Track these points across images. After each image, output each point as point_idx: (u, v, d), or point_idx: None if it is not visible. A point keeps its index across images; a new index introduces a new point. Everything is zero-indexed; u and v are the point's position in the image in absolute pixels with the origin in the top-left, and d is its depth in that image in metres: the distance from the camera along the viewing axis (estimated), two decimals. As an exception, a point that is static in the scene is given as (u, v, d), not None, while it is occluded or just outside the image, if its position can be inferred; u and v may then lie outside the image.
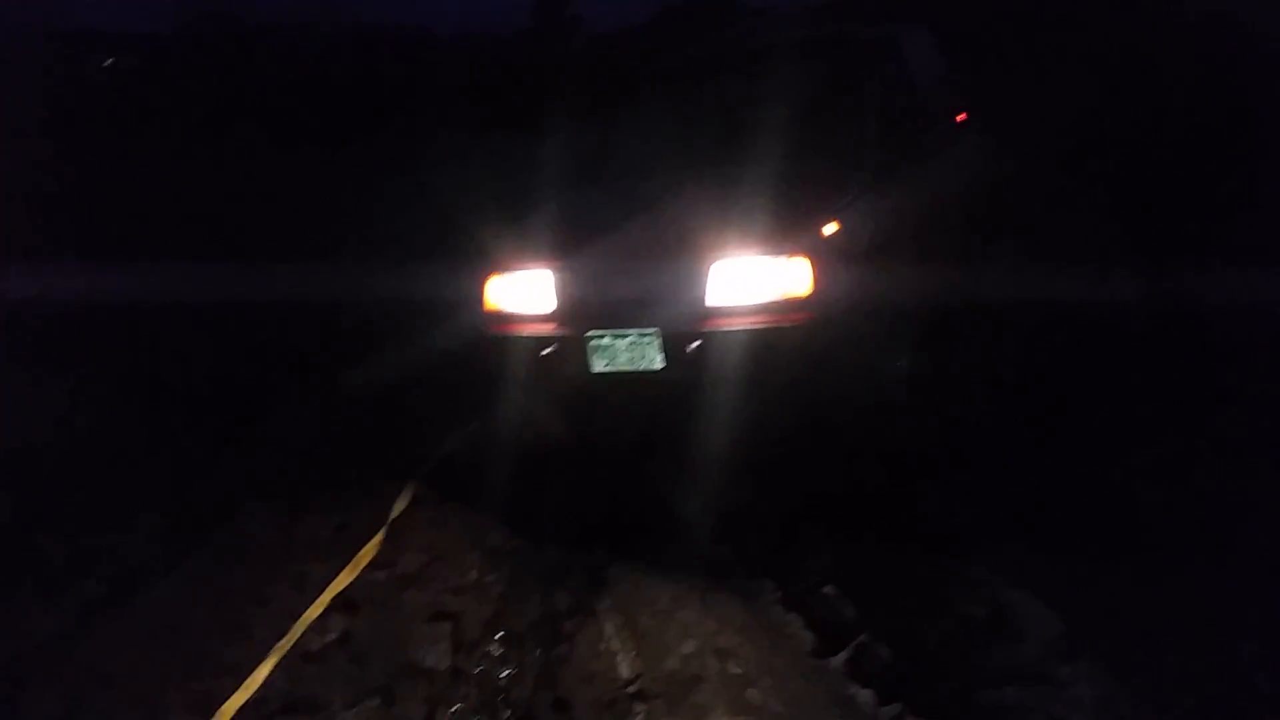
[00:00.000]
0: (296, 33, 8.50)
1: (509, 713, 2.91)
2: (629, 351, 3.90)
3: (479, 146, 7.22)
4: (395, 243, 6.57)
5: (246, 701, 3.03)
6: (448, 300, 4.84)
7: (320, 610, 3.50)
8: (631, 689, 2.97)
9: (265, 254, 6.32)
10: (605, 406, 4.27)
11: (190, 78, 6.79)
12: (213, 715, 2.97)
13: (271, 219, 6.69)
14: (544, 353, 4.10)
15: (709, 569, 3.59)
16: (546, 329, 4.13)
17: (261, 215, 6.63)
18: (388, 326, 5.78)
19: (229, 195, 6.40)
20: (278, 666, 3.20)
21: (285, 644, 3.31)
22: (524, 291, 4.23)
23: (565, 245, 4.24)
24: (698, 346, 3.75)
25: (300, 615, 3.47)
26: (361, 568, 3.80)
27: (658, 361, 3.85)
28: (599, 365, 3.96)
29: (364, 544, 3.95)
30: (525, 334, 4.20)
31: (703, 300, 3.78)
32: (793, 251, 3.70)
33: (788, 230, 3.79)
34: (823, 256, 3.73)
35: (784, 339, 3.67)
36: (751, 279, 3.73)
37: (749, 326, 3.70)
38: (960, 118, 5.37)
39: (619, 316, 3.93)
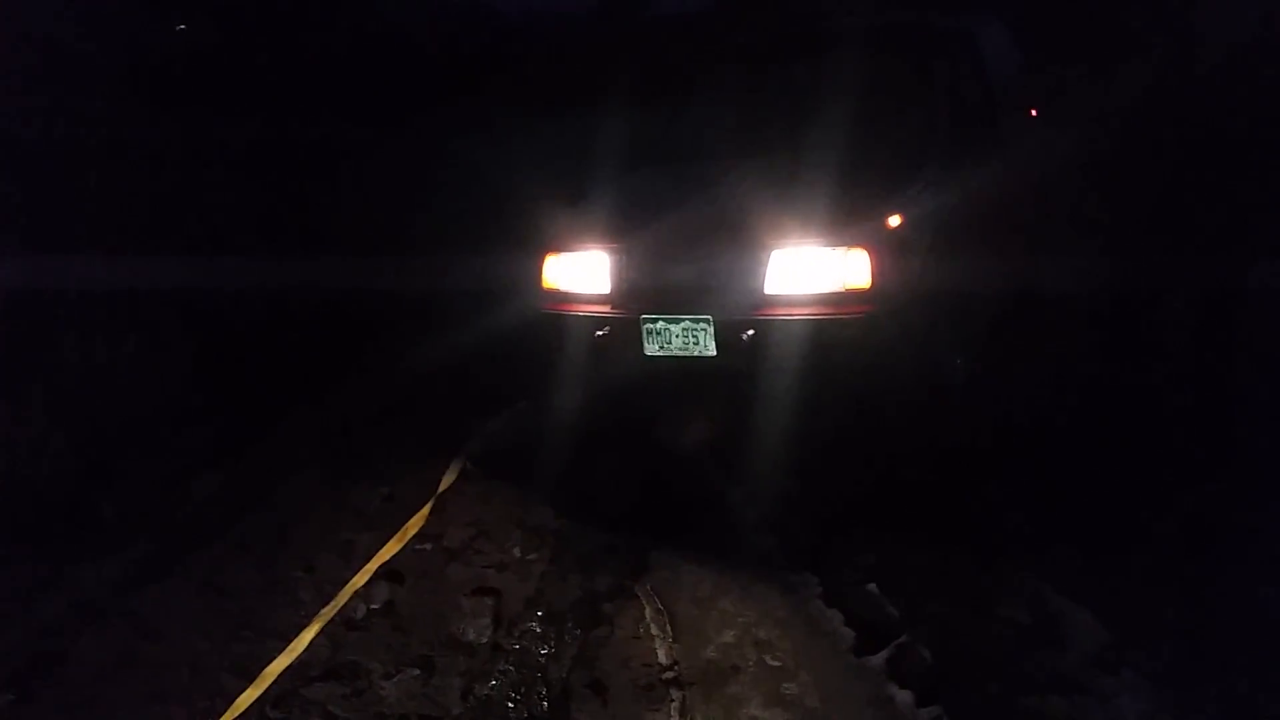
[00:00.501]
0: (366, 8, 8.55)
1: (545, 691, 2.92)
2: (682, 336, 3.87)
3: (543, 125, 7.22)
4: (456, 221, 6.60)
5: (290, 665, 3.08)
6: (506, 281, 4.86)
7: (366, 579, 3.55)
8: (668, 675, 2.96)
9: (331, 237, 6.42)
10: (656, 391, 4.24)
11: (258, 48, 6.86)
12: (256, 677, 3.02)
13: (333, 200, 6.78)
14: (597, 334, 4.09)
15: (751, 559, 3.57)
16: (601, 310, 4.12)
17: (323, 195, 6.72)
18: (447, 306, 5.82)
19: (290, 173, 6.49)
20: (322, 632, 3.25)
21: (330, 611, 3.37)
22: (580, 272, 4.22)
23: (623, 227, 4.22)
24: (752, 335, 3.71)
25: (346, 583, 3.52)
26: (407, 539, 3.84)
27: (711, 348, 3.82)
28: (651, 349, 3.94)
29: (411, 516, 4.00)
30: (579, 314, 4.19)
31: (760, 288, 3.73)
32: (854, 243, 3.64)
33: (850, 221, 3.73)
34: (884, 249, 3.66)
35: (841, 331, 3.62)
36: (810, 269, 3.68)
37: (806, 317, 3.65)
38: (1032, 113, 5.24)
39: (674, 301, 3.90)
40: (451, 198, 6.92)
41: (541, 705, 2.86)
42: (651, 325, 3.92)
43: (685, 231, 4.05)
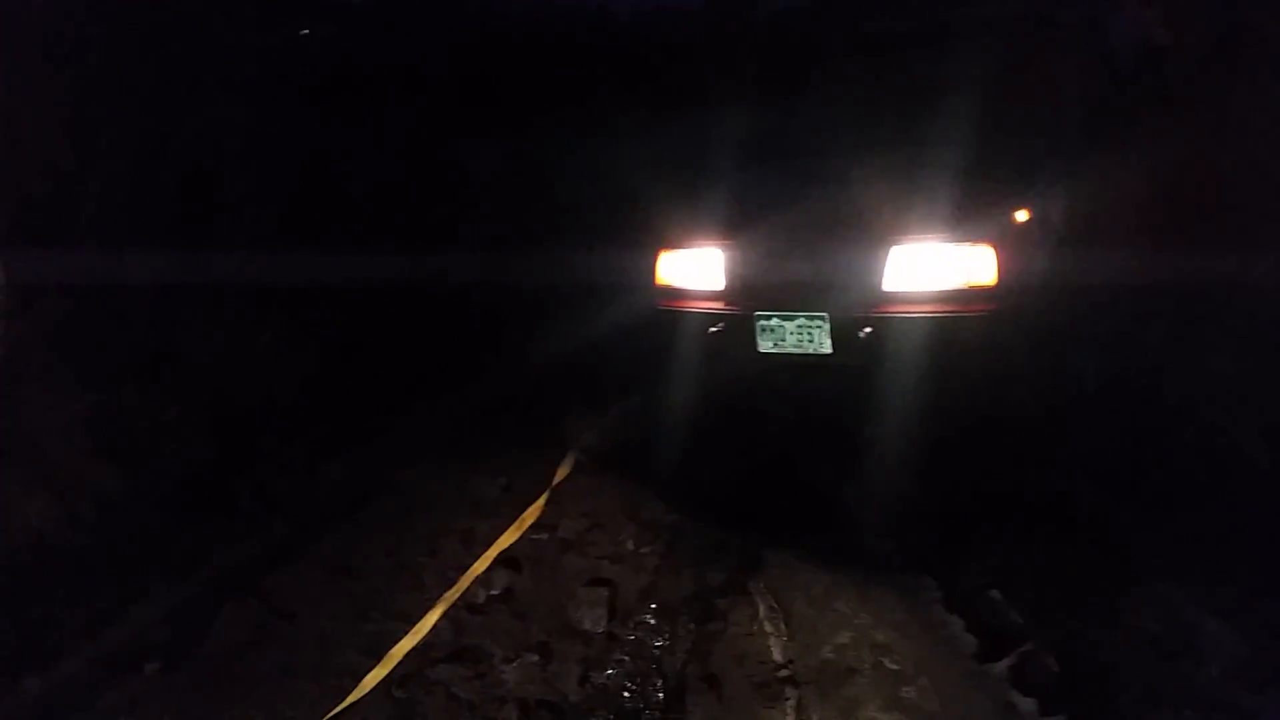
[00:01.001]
0: (481, 11, 8.72)
1: (660, 683, 2.95)
2: (797, 334, 3.85)
3: (656, 123, 7.24)
4: (575, 218, 6.70)
5: (415, 646, 3.19)
6: (623, 278, 4.91)
7: (486, 565, 3.65)
8: (783, 673, 2.96)
9: (452, 235, 6.60)
10: (769, 388, 4.23)
11: (378, 52, 7.08)
12: (383, 656, 3.14)
13: (454, 199, 6.97)
14: (711, 330, 4.09)
15: (868, 561, 3.53)
16: (715, 307, 4.12)
17: (444, 195, 6.91)
18: (568, 302, 5.93)
19: (411, 175, 6.69)
20: (445, 615, 3.36)
21: (453, 595, 3.47)
22: (694, 268, 4.23)
23: (737, 223, 4.21)
24: (870, 332, 3.66)
25: (468, 569, 3.63)
26: (525, 528, 3.93)
27: (826, 345, 3.78)
28: (765, 346, 3.92)
29: (527, 506, 4.09)
30: (693, 310, 4.20)
31: (878, 285, 3.67)
32: (978, 238, 3.55)
33: (974, 216, 3.63)
34: (1010, 245, 3.57)
35: (964, 330, 3.53)
36: (932, 265, 3.60)
37: (927, 314, 3.58)
38: (1160, 105, 5.00)
39: (788, 298, 3.88)
40: (572, 194, 7.03)
41: (657, 696, 2.90)
42: (765, 322, 3.90)
43: (801, 227, 4.01)
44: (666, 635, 3.19)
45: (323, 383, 5.24)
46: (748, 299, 4.01)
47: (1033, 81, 4.40)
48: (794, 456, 4.32)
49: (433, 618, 3.33)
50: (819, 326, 3.79)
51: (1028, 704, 2.68)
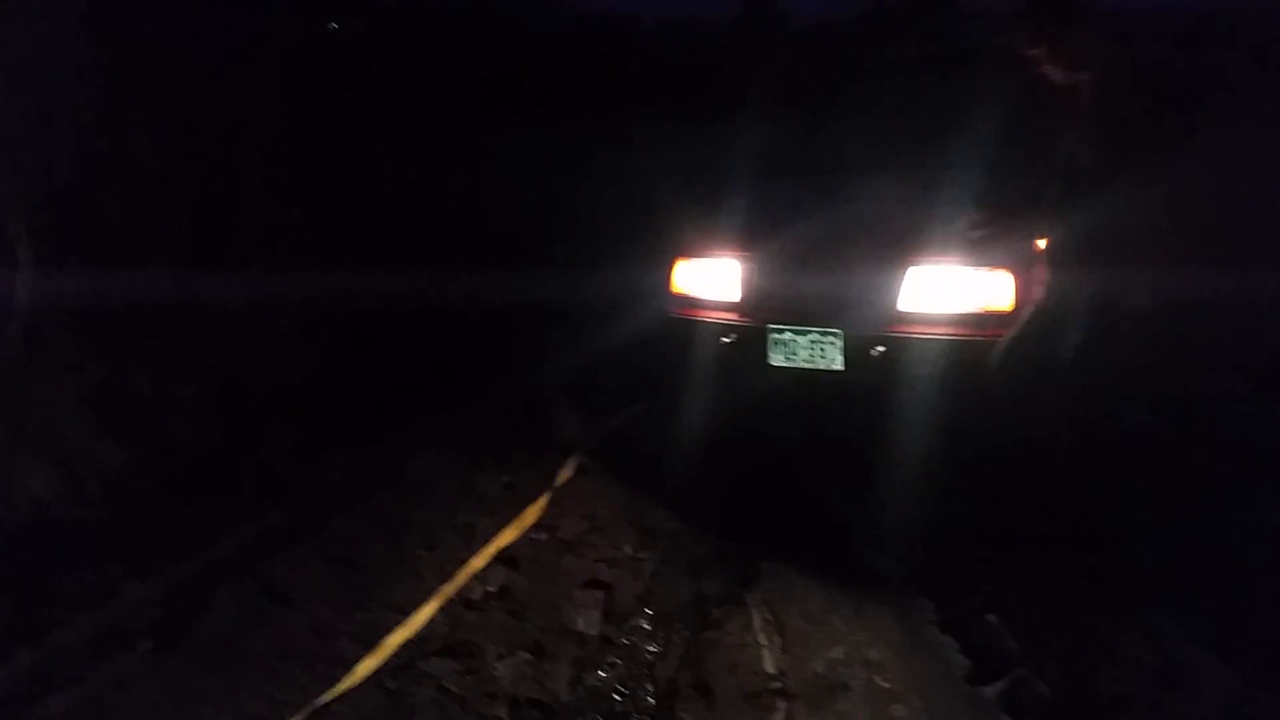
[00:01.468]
0: (507, 17, 8.76)
1: (652, 687, 2.95)
2: (809, 349, 3.85)
3: (678, 134, 7.27)
4: (595, 225, 6.74)
5: (409, 638, 3.19)
6: (639, 286, 4.93)
7: (484, 562, 3.64)
8: (775, 685, 2.95)
9: (474, 243, 6.65)
10: (778, 402, 4.22)
11: (403, 53, 7.13)
12: (376, 647, 3.13)
13: (474, 205, 7.03)
14: (723, 341, 4.10)
15: (865, 579, 3.52)
16: (728, 318, 4.13)
17: (465, 200, 6.96)
18: (585, 309, 5.96)
19: (435, 180, 6.75)
20: (440, 609, 3.35)
21: (449, 589, 3.47)
22: (709, 279, 4.24)
23: (754, 236, 4.22)
24: (883, 351, 3.67)
25: (465, 564, 3.63)
26: (525, 527, 3.92)
27: (838, 362, 3.78)
28: (777, 359, 3.93)
29: (528, 505, 4.09)
30: (706, 320, 4.21)
31: (893, 305, 3.68)
32: (997, 264, 3.55)
33: (994, 241, 3.63)
34: (1030, 271, 3.56)
35: (978, 354, 3.53)
36: (949, 288, 3.61)
37: (941, 336, 3.58)
38: (1191, 128, 4.98)
39: (802, 312, 3.89)
40: (591, 201, 7.06)
41: (648, 701, 2.89)
42: (778, 335, 3.91)
43: (818, 243, 4.02)
44: (660, 641, 3.19)
45: (336, 375, 5.27)
46: (761, 311, 4.02)
47: (1060, 107, 4.39)
48: (799, 471, 4.31)
49: (428, 611, 3.33)
50: (832, 342, 3.80)
51: (1018, 729, 2.67)
